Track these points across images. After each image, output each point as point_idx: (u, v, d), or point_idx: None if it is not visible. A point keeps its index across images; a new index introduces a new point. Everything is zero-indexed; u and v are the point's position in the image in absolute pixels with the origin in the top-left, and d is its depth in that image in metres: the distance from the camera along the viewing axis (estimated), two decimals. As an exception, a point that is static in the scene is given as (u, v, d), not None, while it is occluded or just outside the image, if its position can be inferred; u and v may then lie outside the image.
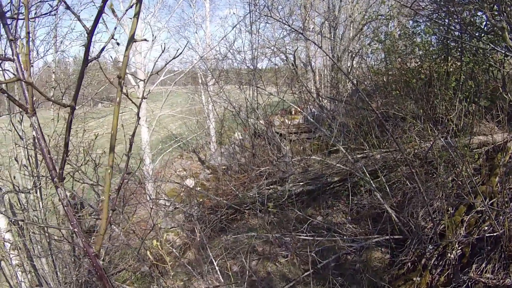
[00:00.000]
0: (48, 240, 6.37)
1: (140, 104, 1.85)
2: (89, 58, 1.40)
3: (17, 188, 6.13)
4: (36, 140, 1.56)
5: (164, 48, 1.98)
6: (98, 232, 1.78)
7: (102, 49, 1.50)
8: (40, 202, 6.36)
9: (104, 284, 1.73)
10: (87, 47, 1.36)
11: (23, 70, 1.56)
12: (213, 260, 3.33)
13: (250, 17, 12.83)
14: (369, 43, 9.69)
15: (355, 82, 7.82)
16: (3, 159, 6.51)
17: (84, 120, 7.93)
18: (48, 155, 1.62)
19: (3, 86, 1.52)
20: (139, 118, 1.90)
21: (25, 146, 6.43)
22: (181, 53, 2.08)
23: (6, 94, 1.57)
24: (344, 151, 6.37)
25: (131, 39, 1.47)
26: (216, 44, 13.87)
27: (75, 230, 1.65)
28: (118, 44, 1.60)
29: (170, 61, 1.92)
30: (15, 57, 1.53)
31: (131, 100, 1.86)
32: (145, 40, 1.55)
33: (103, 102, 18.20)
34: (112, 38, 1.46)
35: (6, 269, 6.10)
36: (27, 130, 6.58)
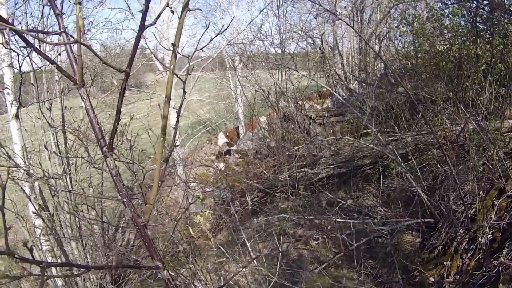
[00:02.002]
0: (78, 225, 6.46)
1: (186, 79, 1.86)
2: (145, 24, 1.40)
3: (47, 174, 6.21)
4: (85, 111, 1.57)
5: (209, 24, 1.97)
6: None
7: (158, 16, 1.51)
8: (70, 188, 6.44)
9: (152, 255, 1.74)
10: (144, 13, 1.37)
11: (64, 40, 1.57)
12: (246, 242, 3.34)
13: (277, 0, 12.89)
14: (397, 25, 9.59)
15: (386, 64, 7.74)
16: (33, 147, 6.60)
17: (113, 106, 7.97)
18: (97, 126, 1.63)
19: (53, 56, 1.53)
20: (185, 92, 1.92)
21: (54, 133, 6.51)
22: (226, 29, 2.08)
23: (55, 65, 1.58)
24: (376, 133, 6.34)
25: (185, 7, 1.48)
26: (244, 28, 13.94)
27: (124, 200, 1.66)
28: (172, 12, 1.61)
29: (215, 36, 1.92)
30: (62, 30, 1.54)
31: (178, 76, 1.86)
32: (199, 9, 1.56)
33: (131, 89, 18.27)
34: (167, 6, 1.47)
35: (36, 254, 6.20)
36: (56, 117, 6.65)
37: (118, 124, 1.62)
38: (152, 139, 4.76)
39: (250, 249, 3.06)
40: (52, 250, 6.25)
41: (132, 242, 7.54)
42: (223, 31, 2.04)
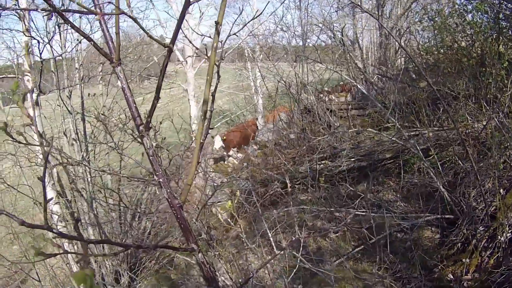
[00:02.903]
0: (96, 211, 6.50)
1: (219, 64, 1.85)
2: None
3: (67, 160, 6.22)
4: (122, 90, 1.57)
5: (242, 11, 1.96)
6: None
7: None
8: (88, 175, 6.47)
9: (187, 237, 1.73)
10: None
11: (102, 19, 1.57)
12: (268, 232, 3.32)
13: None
14: (419, 20, 9.52)
15: (408, 58, 7.69)
16: (52, 134, 6.64)
17: (133, 93, 7.93)
18: (134, 105, 1.63)
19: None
20: (219, 76, 1.91)
21: (74, 121, 6.55)
22: (260, 14, 2.07)
23: (92, 42, 1.58)
24: (399, 126, 6.30)
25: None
26: (265, 19, 13.95)
27: (160, 180, 1.66)
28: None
29: (250, 21, 1.92)
30: (98, 10, 1.54)
31: (215, 64, 1.85)
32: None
33: (150, 78, 18.25)
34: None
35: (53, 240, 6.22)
36: (75, 105, 6.68)
37: (157, 102, 1.61)
38: (173, 127, 4.78)
39: (271, 240, 3.04)
40: (69, 237, 6.28)
41: (148, 230, 7.57)
42: (259, 15, 2.03)
